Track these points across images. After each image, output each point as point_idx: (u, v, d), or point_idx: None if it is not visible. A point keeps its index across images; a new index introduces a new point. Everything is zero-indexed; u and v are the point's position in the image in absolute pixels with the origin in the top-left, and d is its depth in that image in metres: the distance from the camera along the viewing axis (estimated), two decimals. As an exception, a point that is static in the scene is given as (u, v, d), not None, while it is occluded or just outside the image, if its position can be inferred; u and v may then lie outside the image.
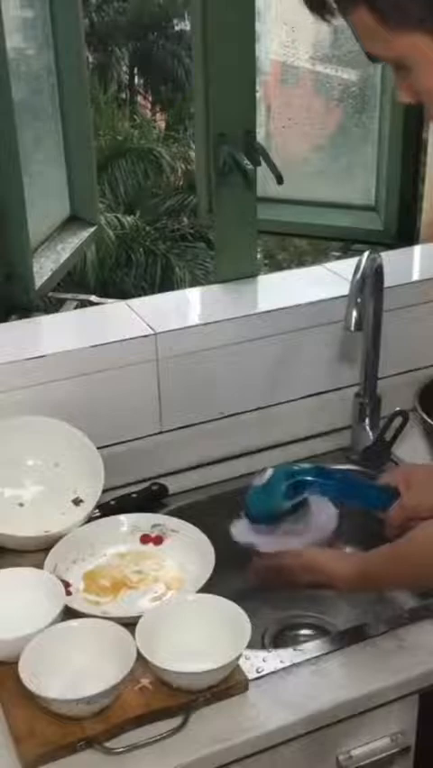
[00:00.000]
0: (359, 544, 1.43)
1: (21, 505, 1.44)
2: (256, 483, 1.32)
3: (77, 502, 1.43)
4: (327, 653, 1.21)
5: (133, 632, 1.14)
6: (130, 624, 1.16)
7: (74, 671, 1.12)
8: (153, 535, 1.40)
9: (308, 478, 1.31)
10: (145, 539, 1.40)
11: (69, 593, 1.27)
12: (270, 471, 1.32)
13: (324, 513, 1.32)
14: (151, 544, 1.40)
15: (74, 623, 1.18)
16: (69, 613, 1.21)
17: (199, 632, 1.17)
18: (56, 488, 1.45)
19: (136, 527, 1.41)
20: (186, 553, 1.36)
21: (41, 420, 1.46)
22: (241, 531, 1.32)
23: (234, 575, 1.30)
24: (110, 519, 1.42)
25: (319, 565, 1.24)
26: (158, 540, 1.40)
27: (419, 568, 1.17)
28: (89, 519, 1.41)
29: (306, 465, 1.36)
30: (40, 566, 1.30)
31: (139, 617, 1.17)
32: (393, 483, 1.32)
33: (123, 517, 1.42)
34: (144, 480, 1.55)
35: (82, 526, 1.39)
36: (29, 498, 1.44)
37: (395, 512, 1.29)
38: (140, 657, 1.11)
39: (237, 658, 1.13)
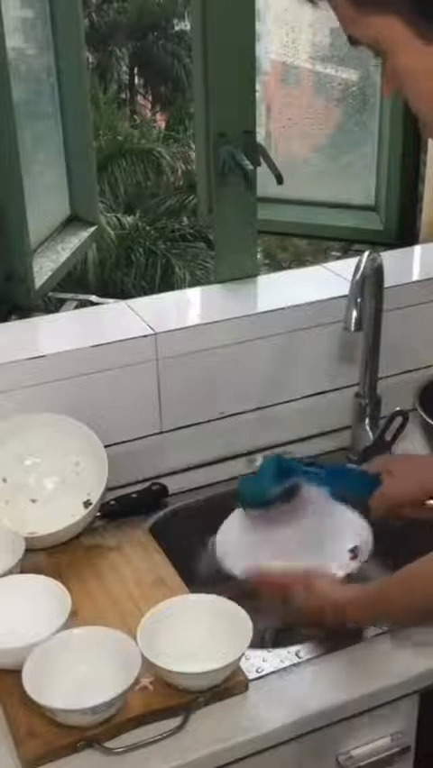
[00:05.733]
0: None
1: (33, 501, 1.43)
2: (246, 472, 1.38)
3: (87, 504, 1.41)
4: (326, 654, 1.21)
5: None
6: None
7: (78, 679, 1.11)
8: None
9: (295, 466, 1.37)
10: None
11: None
12: (260, 460, 1.39)
13: (316, 496, 1.35)
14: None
15: (78, 630, 1.16)
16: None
17: (200, 632, 1.17)
18: (71, 488, 1.44)
19: None
20: None
21: (60, 418, 1.44)
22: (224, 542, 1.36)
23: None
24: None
25: (324, 590, 1.20)
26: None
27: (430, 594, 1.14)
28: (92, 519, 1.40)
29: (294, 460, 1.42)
30: (39, 566, 1.30)
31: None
32: (376, 471, 1.33)
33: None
34: (144, 480, 1.55)
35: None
36: (43, 497, 1.44)
37: (377, 499, 1.31)
38: (141, 657, 1.10)
39: (239, 658, 1.12)
